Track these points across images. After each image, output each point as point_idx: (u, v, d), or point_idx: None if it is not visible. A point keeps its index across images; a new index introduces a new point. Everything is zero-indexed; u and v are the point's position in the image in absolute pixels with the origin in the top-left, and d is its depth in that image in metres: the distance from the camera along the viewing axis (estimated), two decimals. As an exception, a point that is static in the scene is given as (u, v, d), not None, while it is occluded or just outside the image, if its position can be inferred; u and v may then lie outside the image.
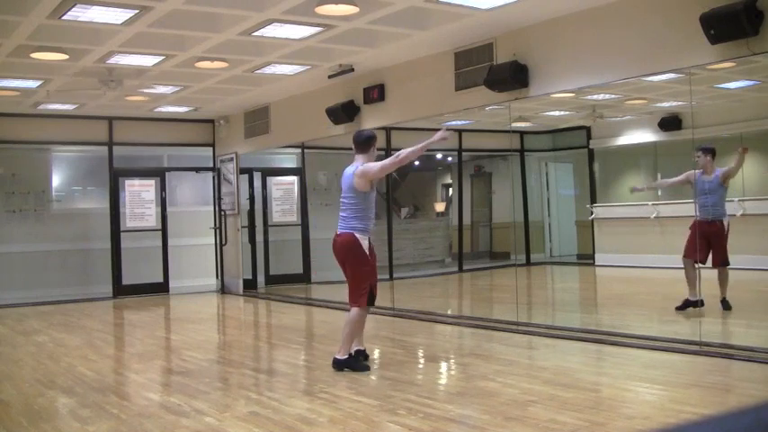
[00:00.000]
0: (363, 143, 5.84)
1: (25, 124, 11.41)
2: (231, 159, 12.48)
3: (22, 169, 11.81)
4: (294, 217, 12.81)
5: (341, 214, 5.76)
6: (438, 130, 5.68)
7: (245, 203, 12.64)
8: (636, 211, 11.92)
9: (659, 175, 7.21)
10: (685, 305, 7.44)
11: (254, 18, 6.74)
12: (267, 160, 13.18)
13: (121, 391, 5.51)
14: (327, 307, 10.02)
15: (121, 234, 12.04)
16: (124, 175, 12.22)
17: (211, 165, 13.03)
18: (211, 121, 12.91)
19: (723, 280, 7.42)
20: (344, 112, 9.42)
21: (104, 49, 7.65)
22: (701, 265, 7.40)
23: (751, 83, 9.13)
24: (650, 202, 11.62)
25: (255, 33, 7.22)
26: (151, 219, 12.35)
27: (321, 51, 8.22)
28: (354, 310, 5.70)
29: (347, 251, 5.67)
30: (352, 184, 5.68)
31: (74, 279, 11.89)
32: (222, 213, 12.63)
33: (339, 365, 5.67)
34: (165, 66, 8.45)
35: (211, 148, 13.05)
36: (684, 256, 7.52)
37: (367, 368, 5.68)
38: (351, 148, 5.83)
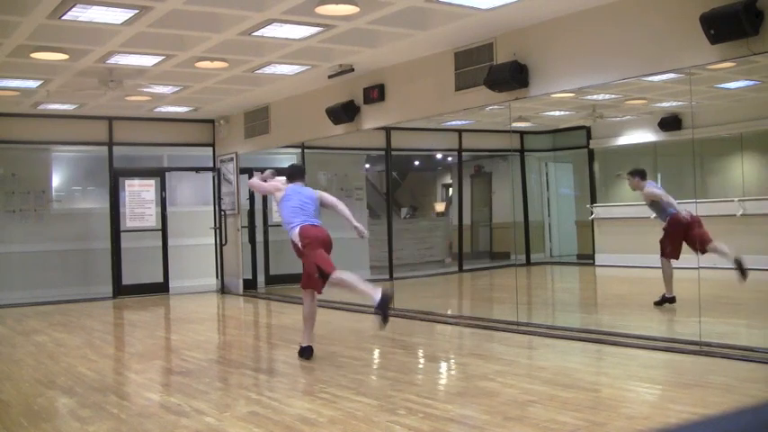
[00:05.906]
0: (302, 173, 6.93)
1: (25, 124, 11.41)
2: (231, 159, 12.48)
3: (22, 169, 11.80)
4: (294, 217, 12.78)
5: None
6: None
7: (245, 203, 12.64)
8: (636, 211, 11.89)
9: None
10: None
11: (254, 18, 6.74)
12: (267, 160, 13.16)
13: (121, 391, 5.52)
14: (327, 307, 10.01)
15: (121, 234, 12.04)
16: (124, 175, 12.22)
17: (211, 165, 13.03)
18: (211, 121, 12.91)
19: None
20: (344, 112, 9.42)
21: (104, 49, 7.65)
22: None
23: (751, 83, 9.13)
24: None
25: (255, 33, 7.22)
26: (151, 219, 12.35)
27: (321, 51, 8.21)
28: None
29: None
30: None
31: (74, 279, 11.89)
32: (222, 213, 12.62)
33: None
34: (165, 66, 8.45)
35: (211, 148, 13.05)
36: None
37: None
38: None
